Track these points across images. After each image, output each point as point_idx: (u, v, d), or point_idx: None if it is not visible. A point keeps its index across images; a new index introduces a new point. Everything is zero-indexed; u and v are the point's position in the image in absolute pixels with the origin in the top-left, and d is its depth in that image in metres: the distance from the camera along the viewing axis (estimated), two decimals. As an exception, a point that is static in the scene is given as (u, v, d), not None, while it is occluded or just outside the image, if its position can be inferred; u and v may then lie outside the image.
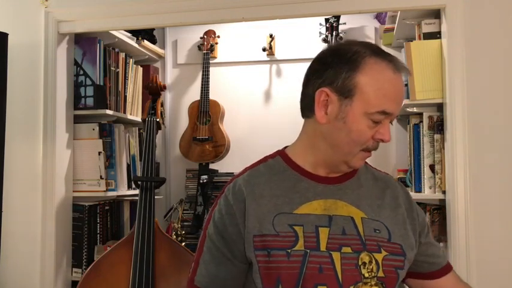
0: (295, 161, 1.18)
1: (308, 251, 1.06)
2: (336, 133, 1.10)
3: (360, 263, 1.07)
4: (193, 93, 3.21)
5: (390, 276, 1.09)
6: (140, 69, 3.04)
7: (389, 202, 1.18)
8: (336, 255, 1.06)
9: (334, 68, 1.09)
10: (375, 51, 1.10)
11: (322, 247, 1.07)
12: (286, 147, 1.24)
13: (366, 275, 1.06)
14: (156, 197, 2.42)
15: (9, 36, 2.17)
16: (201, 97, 3.07)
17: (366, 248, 1.08)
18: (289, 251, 1.05)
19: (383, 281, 1.08)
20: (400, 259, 1.12)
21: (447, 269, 1.26)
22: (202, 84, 3.09)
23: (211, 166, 3.10)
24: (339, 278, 1.05)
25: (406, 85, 2.23)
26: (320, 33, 2.96)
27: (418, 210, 1.24)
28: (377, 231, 1.12)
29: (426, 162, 2.16)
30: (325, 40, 2.93)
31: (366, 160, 1.20)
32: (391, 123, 1.13)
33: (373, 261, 1.08)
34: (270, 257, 1.05)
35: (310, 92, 1.13)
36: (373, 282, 1.07)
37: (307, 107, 1.15)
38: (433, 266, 1.24)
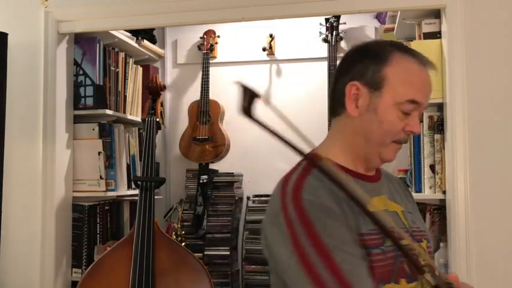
0: (339, 162, 1.14)
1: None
2: (367, 125, 1.12)
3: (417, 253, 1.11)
4: (193, 93, 3.21)
5: (432, 262, 1.13)
6: (140, 69, 3.04)
7: (405, 196, 1.25)
8: None
9: (363, 62, 1.14)
10: (400, 47, 1.16)
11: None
12: (313, 150, 1.15)
13: (422, 263, 1.08)
14: (156, 197, 2.42)
15: (9, 36, 2.17)
16: (201, 97, 3.07)
17: (415, 239, 1.13)
18: (383, 248, 1.06)
19: (431, 267, 1.10)
20: (430, 245, 1.20)
21: None
22: (202, 84, 3.09)
23: (211, 166, 3.10)
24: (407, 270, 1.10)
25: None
26: (320, 33, 2.96)
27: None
28: (413, 222, 1.18)
29: (426, 162, 2.16)
30: (325, 40, 2.93)
31: None
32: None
33: (422, 251, 1.12)
34: (370, 256, 1.03)
35: (341, 88, 1.15)
36: (426, 270, 1.09)
37: (337, 103, 1.17)
38: None
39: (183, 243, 2.70)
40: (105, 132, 2.60)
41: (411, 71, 1.12)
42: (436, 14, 2.18)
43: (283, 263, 1.01)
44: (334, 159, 1.13)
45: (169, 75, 3.31)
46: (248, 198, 3.07)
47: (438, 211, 2.21)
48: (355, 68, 1.14)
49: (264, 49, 3.13)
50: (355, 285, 0.95)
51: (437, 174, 2.12)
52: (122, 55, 2.81)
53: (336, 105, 1.18)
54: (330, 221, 1.00)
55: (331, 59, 2.85)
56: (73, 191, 2.51)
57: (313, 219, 0.99)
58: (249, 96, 0.96)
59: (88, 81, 2.56)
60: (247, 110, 0.98)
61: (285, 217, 1.01)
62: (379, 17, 2.97)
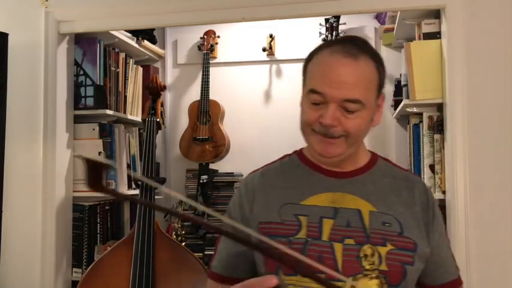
0: (308, 157, 1.24)
1: (309, 239, 1.09)
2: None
3: (361, 255, 1.08)
4: (193, 93, 3.22)
5: (395, 270, 1.09)
6: (140, 69, 3.04)
7: (406, 199, 1.17)
8: (338, 246, 1.09)
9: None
10: (329, 43, 1.20)
11: (324, 237, 1.10)
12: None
13: (367, 267, 1.08)
14: (156, 197, 2.42)
15: (9, 36, 2.17)
16: (201, 97, 3.08)
17: (370, 241, 1.09)
18: (291, 238, 1.10)
19: (386, 274, 1.08)
20: (409, 254, 1.11)
21: (451, 285, 1.20)
22: (202, 84, 3.09)
23: (211, 166, 3.11)
24: (338, 267, 1.07)
25: (406, 85, 2.23)
26: (320, 33, 2.96)
27: (436, 214, 1.19)
28: (386, 224, 1.12)
29: (426, 162, 2.16)
30: (325, 40, 2.92)
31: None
32: (348, 111, 1.10)
33: (376, 254, 1.08)
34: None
35: None
36: (373, 275, 1.07)
37: None
38: (437, 278, 1.19)
39: (183, 243, 2.70)
40: (106, 132, 2.60)
41: (317, 63, 1.15)
42: (436, 14, 2.19)
43: None
44: (307, 155, 1.24)
45: (169, 75, 3.31)
46: (248, 198, 3.07)
47: (438, 211, 2.21)
48: None
49: (264, 49, 3.13)
50: (213, 263, 1.24)
51: (437, 174, 2.13)
52: (122, 55, 2.82)
53: None
54: (232, 202, 1.25)
55: (331, 59, 2.85)
56: (73, 191, 2.51)
57: (232, 200, 1.26)
58: (97, 169, 0.80)
59: (88, 81, 2.56)
60: (95, 183, 0.80)
61: None
62: (379, 17, 2.97)
